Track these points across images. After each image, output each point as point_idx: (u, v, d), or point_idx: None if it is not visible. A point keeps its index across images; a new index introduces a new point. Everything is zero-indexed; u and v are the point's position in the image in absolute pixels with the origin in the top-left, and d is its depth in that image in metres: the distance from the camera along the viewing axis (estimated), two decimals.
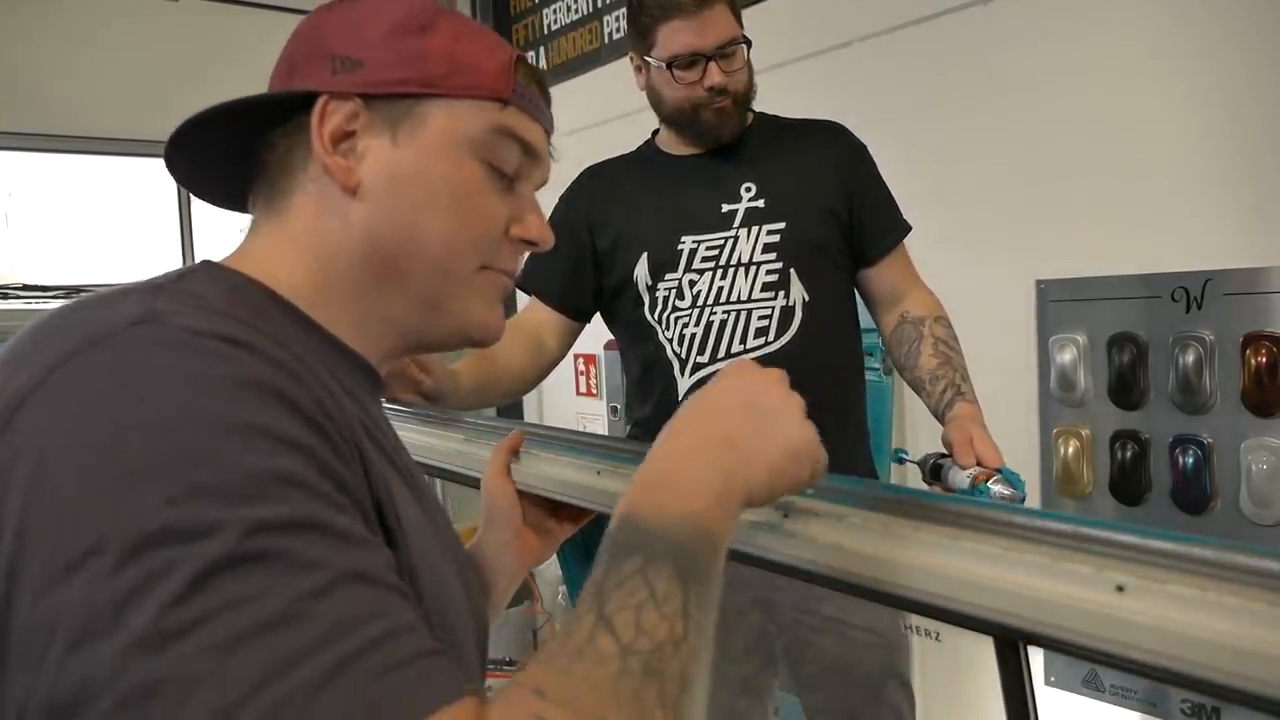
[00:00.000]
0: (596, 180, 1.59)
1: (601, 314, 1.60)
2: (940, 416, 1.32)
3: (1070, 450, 1.93)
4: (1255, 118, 1.68)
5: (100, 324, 0.47)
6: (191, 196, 0.75)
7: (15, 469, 0.43)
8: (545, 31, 3.48)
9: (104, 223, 3.27)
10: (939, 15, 2.12)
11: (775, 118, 1.56)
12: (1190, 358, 1.73)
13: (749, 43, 1.44)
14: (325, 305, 0.62)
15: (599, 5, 3.21)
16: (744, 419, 0.58)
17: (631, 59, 1.50)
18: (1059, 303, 1.94)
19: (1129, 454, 1.84)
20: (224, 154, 0.65)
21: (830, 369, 1.48)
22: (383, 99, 0.61)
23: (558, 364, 1.59)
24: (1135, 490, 1.84)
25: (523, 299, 1.61)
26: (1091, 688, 1.91)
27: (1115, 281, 1.85)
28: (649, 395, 1.53)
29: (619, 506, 0.52)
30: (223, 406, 0.45)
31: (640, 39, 1.44)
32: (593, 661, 0.43)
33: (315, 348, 0.59)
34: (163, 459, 0.42)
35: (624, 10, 3.08)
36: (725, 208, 1.46)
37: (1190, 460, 1.74)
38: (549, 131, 0.69)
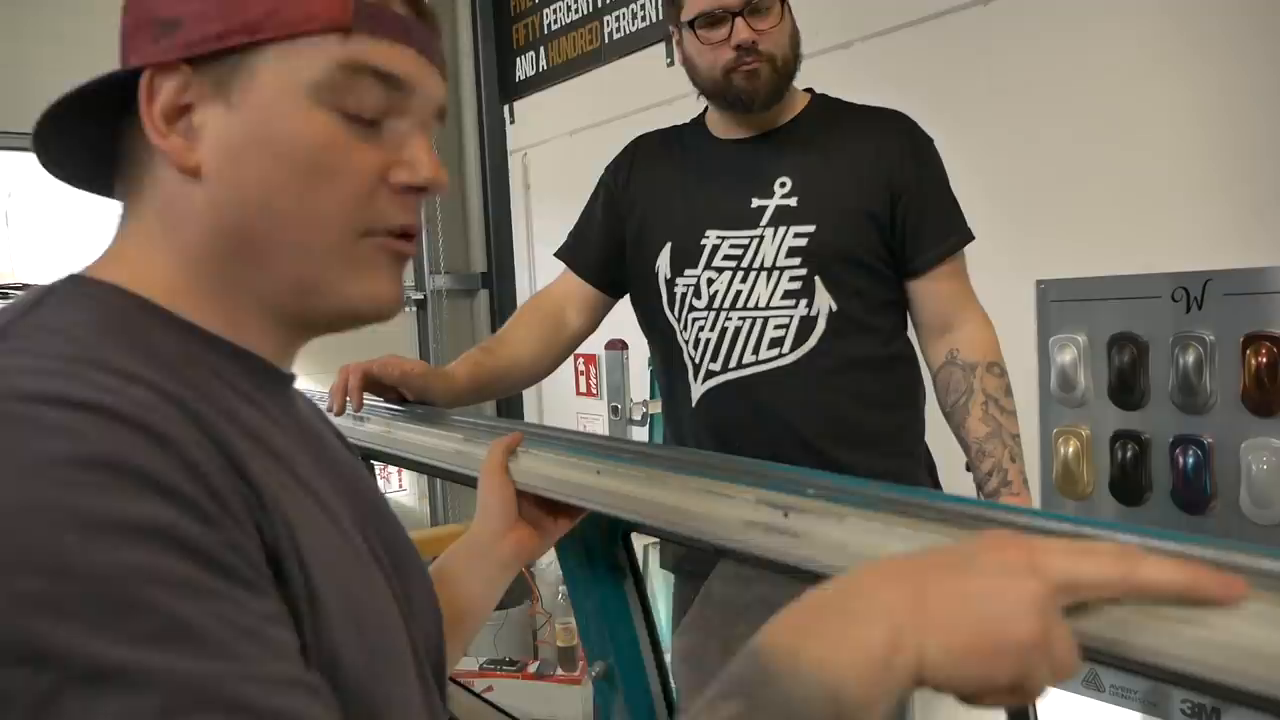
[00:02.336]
0: (638, 152, 1.51)
1: (630, 296, 1.53)
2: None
3: (1070, 450, 1.93)
4: (1254, 118, 1.68)
5: None
6: None
7: None
8: (545, 31, 3.48)
9: (104, 223, 3.27)
10: (939, 15, 2.12)
11: (835, 100, 1.45)
12: (1190, 358, 1.73)
13: (786, 1, 1.34)
14: (201, 304, 0.54)
15: (599, 5, 3.20)
16: (957, 578, 0.43)
17: (672, 34, 1.43)
18: (1059, 303, 1.94)
19: (1129, 454, 1.83)
20: (96, 150, 0.59)
21: (860, 384, 1.36)
22: (209, 59, 0.52)
23: (582, 342, 1.52)
24: (1135, 490, 1.84)
25: (546, 273, 1.56)
26: (1091, 688, 1.91)
27: (1115, 281, 1.85)
28: (670, 394, 1.49)
29: (763, 627, 0.44)
30: (59, 495, 0.39)
31: (672, 4, 1.38)
32: None
33: (202, 358, 0.52)
34: None
35: (624, 10, 3.08)
36: (755, 202, 1.36)
37: (1190, 460, 1.74)
38: (425, 50, 0.57)
